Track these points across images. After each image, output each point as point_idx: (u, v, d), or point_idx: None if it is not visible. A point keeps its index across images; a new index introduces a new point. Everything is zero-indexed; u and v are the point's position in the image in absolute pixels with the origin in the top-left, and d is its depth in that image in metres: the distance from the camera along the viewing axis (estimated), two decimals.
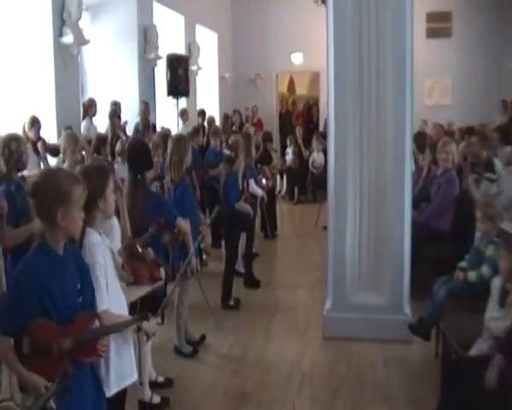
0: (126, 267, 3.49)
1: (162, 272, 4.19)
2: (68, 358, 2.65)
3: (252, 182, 7.47)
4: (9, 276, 3.93)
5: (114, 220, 3.60)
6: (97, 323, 2.83)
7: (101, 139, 7.49)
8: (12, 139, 4.61)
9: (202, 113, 13.02)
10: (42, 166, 6.73)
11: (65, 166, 5.42)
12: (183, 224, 4.88)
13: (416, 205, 6.43)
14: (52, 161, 7.24)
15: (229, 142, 7.10)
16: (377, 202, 5.62)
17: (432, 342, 5.21)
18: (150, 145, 5.62)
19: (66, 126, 7.54)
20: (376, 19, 5.45)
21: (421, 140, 7.85)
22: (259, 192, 7.70)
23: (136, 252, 3.88)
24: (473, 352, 4.01)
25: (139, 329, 3.08)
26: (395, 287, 5.60)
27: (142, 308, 3.66)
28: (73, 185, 2.69)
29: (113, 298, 3.17)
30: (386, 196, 5.57)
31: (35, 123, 7.02)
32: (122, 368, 3.26)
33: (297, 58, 17.47)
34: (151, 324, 3.25)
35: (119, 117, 9.19)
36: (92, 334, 2.77)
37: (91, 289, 2.88)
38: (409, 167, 5.65)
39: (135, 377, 3.45)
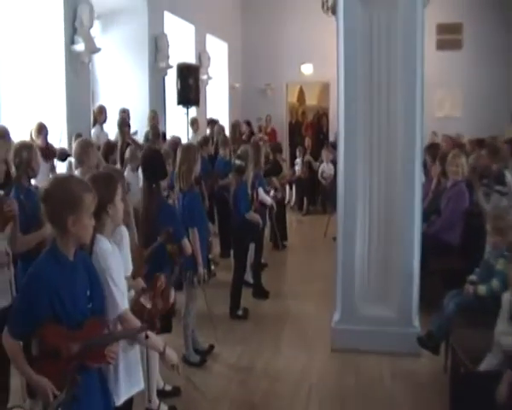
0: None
1: (172, 295, 4.13)
2: (76, 362, 2.65)
3: (260, 190, 7.48)
4: (19, 282, 3.94)
5: (124, 230, 3.60)
6: (106, 330, 2.84)
7: (110, 146, 7.50)
8: (23, 146, 4.64)
9: (212, 122, 13.03)
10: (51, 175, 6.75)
11: (76, 172, 5.42)
12: (188, 246, 4.89)
13: (425, 217, 6.40)
14: (61, 167, 7.28)
15: (239, 152, 7.10)
16: (386, 213, 5.60)
17: (440, 356, 5.17)
18: None
19: (78, 134, 7.57)
20: (387, 30, 5.45)
21: (434, 151, 7.81)
22: (268, 200, 7.69)
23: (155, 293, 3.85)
24: (482, 367, 3.97)
25: (147, 337, 3.07)
26: (404, 299, 5.58)
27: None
28: (84, 192, 2.71)
29: None
30: (396, 207, 5.56)
31: (42, 130, 7.05)
32: (130, 376, 3.26)
33: (307, 69, 17.49)
34: (173, 353, 3.24)
35: (129, 125, 9.22)
36: (101, 339, 2.78)
37: (101, 295, 2.89)
38: (419, 179, 5.64)
39: (142, 385, 3.45)
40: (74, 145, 5.59)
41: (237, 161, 6.91)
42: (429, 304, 5.66)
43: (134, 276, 3.71)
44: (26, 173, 4.53)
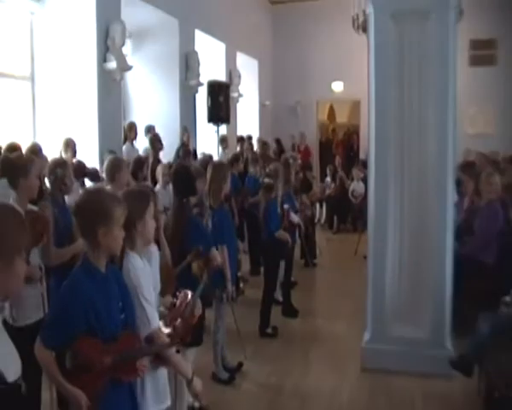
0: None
1: (199, 308, 4.07)
2: (109, 376, 2.67)
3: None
4: (52, 296, 3.99)
5: (154, 248, 3.61)
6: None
7: (139, 162, 7.52)
8: (57, 163, 4.75)
9: (242, 139, 13.08)
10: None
11: (108, 188, 5.46)
12: (216, 256, 4.88)
13: (458, 237, 6.28)
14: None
15: (268, 170, 7.09)
16: (418, 232, 5.52)
17: (474, 379, 5.03)
18: None
19: (110, 151, 7.64)
20: (418, 46, 5.40)
21: (470, 169, 7.67)
22: (295, 218, 7.65)
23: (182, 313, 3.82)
24: None
25: (178, 351, 3.06)
26: (436, 320, 5.48)
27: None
28: (114, 204, 2.76)
29: None
30: (428, 226, 5.47)
31: (70, 145, 7.15)
32: (159, 392, 3.25)
33: (338, 86, 17.48)
34: (199, 383, 3.25)
35: (160, 142, 9.29)
36: (133, 353, 2.79)
37: (132, 307, 2.91)
38: (451, 197, 5.55)
39: (168, 402, 3.43)
40: (105, 162, 5.63)
41: (266, 179, 6.91)
42: (462, 325, 5.54)
43: (163, 294, 3.70)
44: (60, 189, 4.61)
